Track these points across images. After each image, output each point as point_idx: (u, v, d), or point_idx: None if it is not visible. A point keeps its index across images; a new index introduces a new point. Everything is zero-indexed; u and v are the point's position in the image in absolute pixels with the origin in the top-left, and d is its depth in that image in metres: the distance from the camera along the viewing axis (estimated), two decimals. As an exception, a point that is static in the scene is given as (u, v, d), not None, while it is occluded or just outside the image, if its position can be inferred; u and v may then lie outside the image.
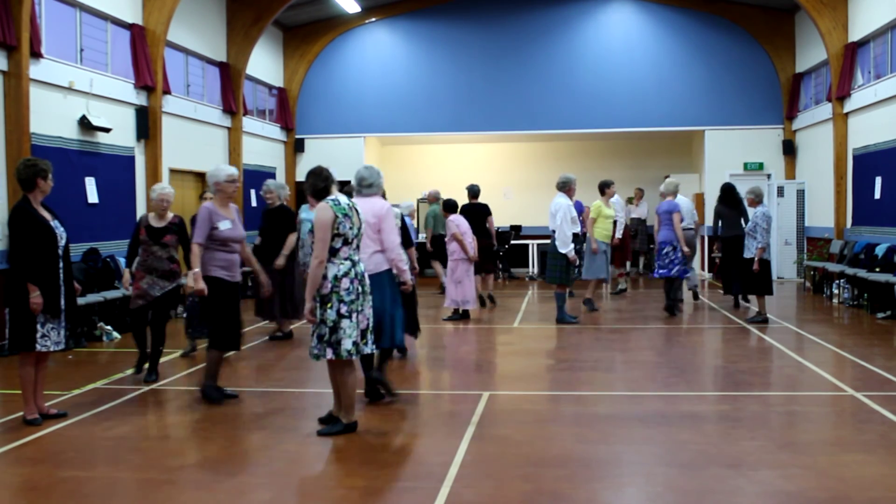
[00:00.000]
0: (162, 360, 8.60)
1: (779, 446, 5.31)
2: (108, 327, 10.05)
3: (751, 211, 10.96)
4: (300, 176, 18.34)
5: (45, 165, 6.07)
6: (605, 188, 12.35)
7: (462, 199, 12.31)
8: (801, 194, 16.67)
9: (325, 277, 5.43)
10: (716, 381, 7.52)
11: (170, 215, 7.62)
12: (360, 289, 5.54)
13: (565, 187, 10.77)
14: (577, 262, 11.06)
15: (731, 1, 17.43)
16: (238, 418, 6.23)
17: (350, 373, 5.63)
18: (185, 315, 7.67)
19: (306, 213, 11.88)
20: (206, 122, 14.60)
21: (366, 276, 5.66)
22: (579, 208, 11.87)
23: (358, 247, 5.68)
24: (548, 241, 10.78)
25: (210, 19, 14.93)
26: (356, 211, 5.64)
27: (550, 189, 11.17)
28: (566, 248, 10.44)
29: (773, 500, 4.39)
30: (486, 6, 18.15)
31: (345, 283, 5.45)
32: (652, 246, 18.93)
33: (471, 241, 11.13)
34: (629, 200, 19.13)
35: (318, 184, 5.68)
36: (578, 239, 11.11)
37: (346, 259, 5.51)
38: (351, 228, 5.54)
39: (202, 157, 14.47)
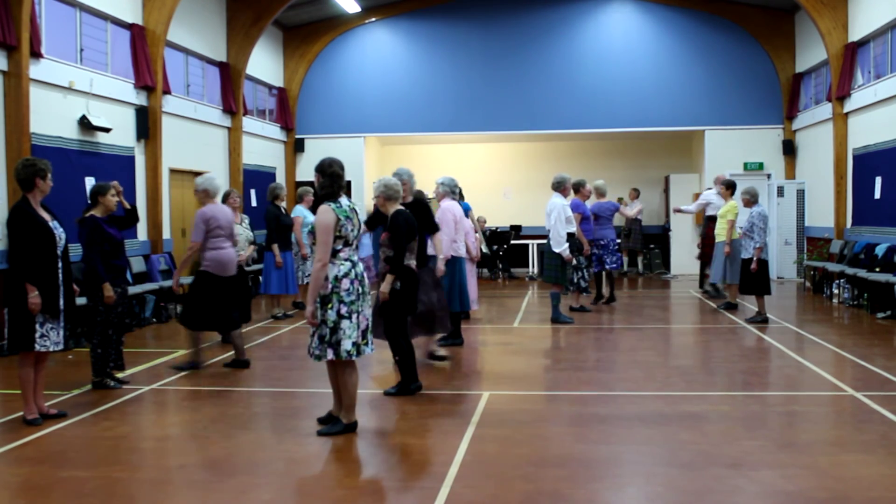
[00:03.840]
0: (162, 359, 8.60)
1: (779, 446, 5.31)
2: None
3: (747, 211, 10.97)
4: (300, 176, 18.36)
5: (44, 165, 6.07)
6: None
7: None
8: (801, 194, 16.67)
9: (325, 278, 5.43)
10: (715, 380, 7.52)
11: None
12: (359, 289, 5.53)
13: (560, 187, 10.83)
14: (573, 262, 11.07)
15: (731, 1, 17.43)
16: (238, 418, 6.24)
17: (351, 373, 5.63)
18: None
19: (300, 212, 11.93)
20: (206, 122, 14.60)
21: (365, 276, 5.66)
22: (576, 207, 11.87)
23: (357, 247, 5.68)
24: (545, 241, 10.82)
25: (210, 19, 14.93)
26: (356, 212, 5.64)
27: (550, 189, 11.19)
28: (560, 247, 10.49)
29: (773, 500, 4.39)
30: (486, 6, 18.15)
31: (345, 283, 5.45)
32: (652, 246, 19.00)
33: (473, 241, 11.12)
34: (619, 200, 19.13)
35: (335, 191, 5.57)
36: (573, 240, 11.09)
37: (346, 260, 5.50)
38: (352, 230, 5.54)
39: (202, 157, 14.47)
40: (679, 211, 14.36)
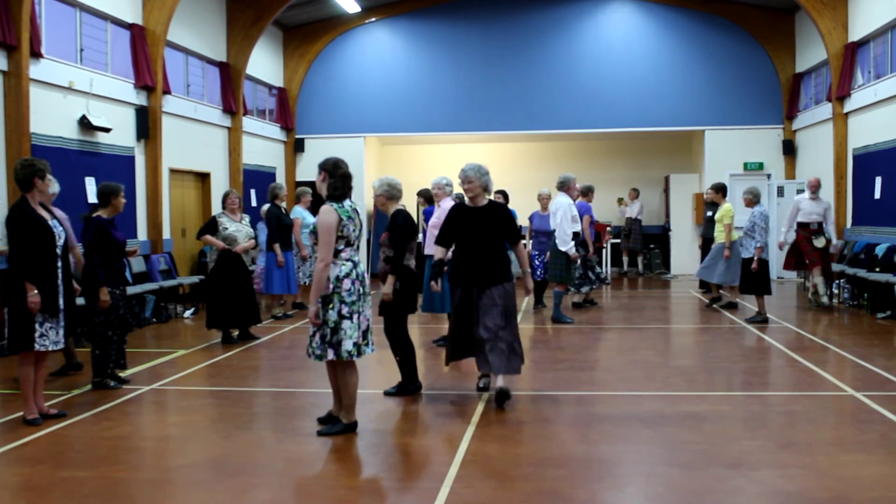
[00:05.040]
0: (162, 359, 8.61)
1: (779, 446, 5.31)
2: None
3: (748, 211, 10.98)
4: (300, 176, 18.36)
5: (43, 165, 6.06)
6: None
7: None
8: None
9: (327, 278, 5.44)
10: (715, 380, 7.52)
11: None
12: (360, 290, 5.54)
13: (564, 186, 10.87)
14: (577, 261, 11.10)
15: (731, 1, 17.43)
16: (238, 418, 6.23)
17: (351, 373, 5.63)
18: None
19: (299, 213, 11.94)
20: (206, 122, 14.60)
21: (366, 277, 5.66)
22: (585, 209, 11.94)
23: (359, 248, 5.68)
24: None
25: (210, 19, 14.93)
26: (357, 212, 5.64)
27: (550, 189, 11.22)
28: (566, 246, 10.51)
29: (773, 500, 4.39)
30: (486, 6, 18.15)
31: (346, 283, 5.46)
32: (652, 246, 19.00)
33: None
34: (619, 201, 19.16)
35: (343, 192, 5.57)
36: (578, 239, 11.16)
37: (347, 260, 5.51)
38: (354, 230, 5.54)
39: (202, 157, 14.47)
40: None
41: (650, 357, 8.56)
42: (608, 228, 18.18)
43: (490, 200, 6.65)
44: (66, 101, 10.66)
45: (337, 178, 5.56)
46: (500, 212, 6.58)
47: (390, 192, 6.73)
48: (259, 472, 4.92)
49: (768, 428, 5.80)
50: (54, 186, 7.23)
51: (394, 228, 6.58)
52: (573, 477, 4.78)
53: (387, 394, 6.83)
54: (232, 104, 15.28)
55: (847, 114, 14.37)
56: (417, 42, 18.35)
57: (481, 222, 6.49)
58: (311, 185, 12.76)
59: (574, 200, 11.00)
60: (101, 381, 7.19)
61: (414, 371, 6.88)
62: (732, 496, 4.44)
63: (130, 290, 10.71)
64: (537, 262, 11.81)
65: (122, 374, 7.47)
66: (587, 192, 12.46)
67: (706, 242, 13.73)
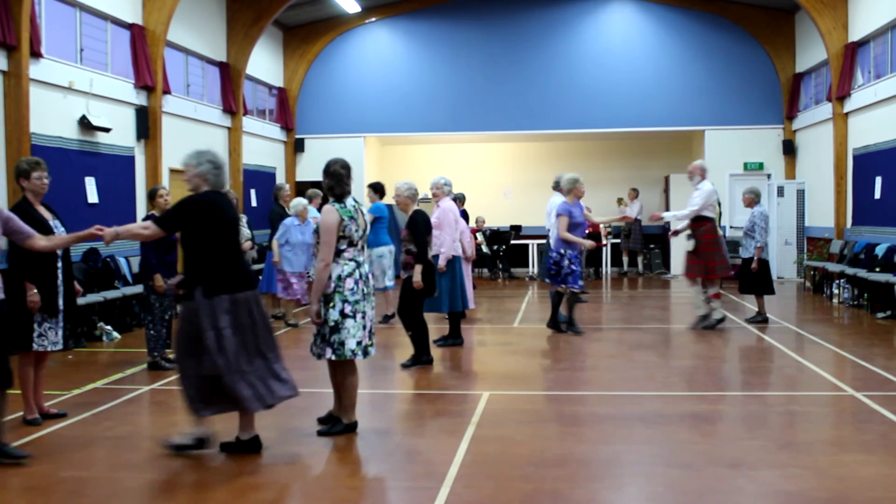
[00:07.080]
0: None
1: (779, 446, 5.31)
2: (108, 327, 10.04)
3: (748, 211, 10.99)
4: (300, 176, 18.36)
5: (27, 165, 6.00)
6: None
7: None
8: (801, 194, 16.67)
9: (328, 277, 5.43)
10: (716, 381, 7.52)
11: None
12: (364, 289, 5.53)
13: (559, 186, 10.87)
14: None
15: (731, 1, 17.44)
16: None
17: (352, 372, 5.62)
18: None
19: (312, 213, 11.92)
20: (206, 122, 14.60)
21: (370, 277, 5.66)
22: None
23: (363, 248, 5.67)
24: (545, 241, 10.81)
25: (210, 19, 14.93)
26: (361, 213, 5.64)
27: (550, 189, 11.24)
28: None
29: (773, 500, 4.39)
30: (486, 6, 18.16)
31: (349, 283, 5.45)
32: (652, 246, 18.99)
33: (469, 240, 11.14)
34: (619, 201, 19.14)
35: (344, 190, 5.62)
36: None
37: (350, 260, 5.50)
38: (356, 230, 5.53)
39: (202, 157, 14.46)
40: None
41: (650, 357, 8.55)
42: (603, 225, 18.14)
43: (205, 192, 5.44)
44: (66, 101, 10.66)
45: (329, 176, 5.62)
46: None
47: (415, 197, 7.89)
48: (259, 472, 4.92)
49: (768, 428, 5.80)
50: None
51: (414, 226, 7.65)
52: (573, 477, 4.78)
53: (403, 366, 7.67)
54: (232, 104, 15.28)
55: (847, 114, 14.38)
56: (417, 42, 18.36)
57: None
58: (318, 185, 12.75)
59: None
60: (154, 362, 7.88)
61: (427, 345, 7.86)
62: (732, 496, 4.44)
63: (131, 290, 10.73)
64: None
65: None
66: (557, 186, 12.20)
67: None
